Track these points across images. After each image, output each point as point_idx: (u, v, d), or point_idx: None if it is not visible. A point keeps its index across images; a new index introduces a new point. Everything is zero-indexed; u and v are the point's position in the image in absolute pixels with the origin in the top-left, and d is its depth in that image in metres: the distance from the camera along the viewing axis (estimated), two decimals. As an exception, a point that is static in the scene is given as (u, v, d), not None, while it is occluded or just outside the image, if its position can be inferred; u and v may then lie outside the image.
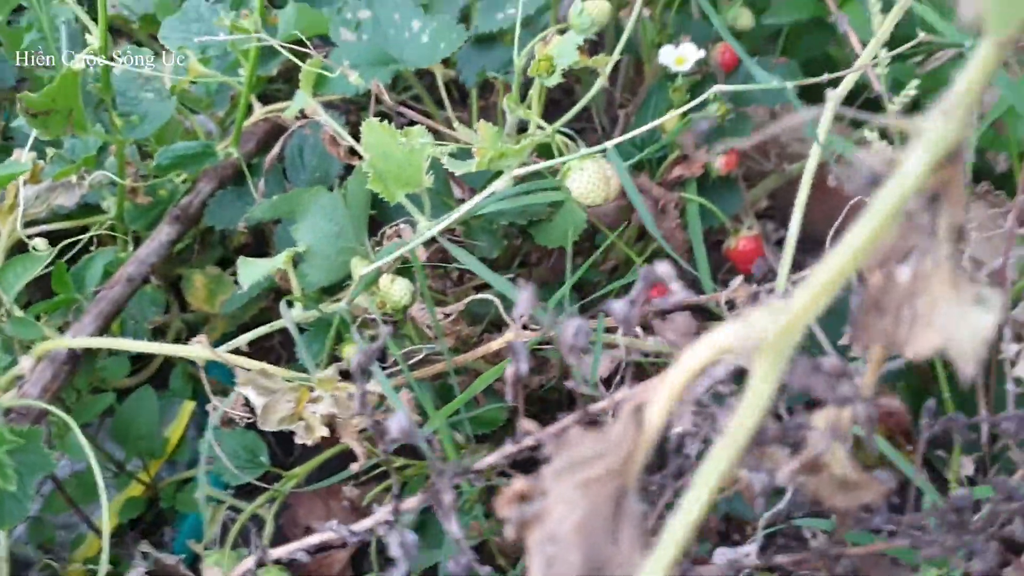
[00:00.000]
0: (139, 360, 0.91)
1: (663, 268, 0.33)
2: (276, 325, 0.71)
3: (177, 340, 0.94)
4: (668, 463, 0.38)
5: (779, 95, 0.81)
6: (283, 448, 0.90)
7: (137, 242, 0.90)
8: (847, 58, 1.00)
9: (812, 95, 1.01)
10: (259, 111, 0.93)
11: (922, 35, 0.60)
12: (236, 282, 0.89)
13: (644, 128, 0.65)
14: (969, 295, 0.25)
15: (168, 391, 0.89)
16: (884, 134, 0.97)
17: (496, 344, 0.74)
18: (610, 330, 0.75)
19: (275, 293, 0.95)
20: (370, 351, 0.36)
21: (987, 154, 0.87)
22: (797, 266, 1.03)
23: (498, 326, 0.89)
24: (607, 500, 0.29)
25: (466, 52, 0.87)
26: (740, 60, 0.83)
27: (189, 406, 0.87)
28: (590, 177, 0.66)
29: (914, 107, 0.74)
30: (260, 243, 0.97)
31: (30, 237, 0.80)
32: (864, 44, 0.67)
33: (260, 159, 0.92)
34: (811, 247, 1.04)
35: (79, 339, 0.71)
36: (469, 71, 0.87)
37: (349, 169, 0.91)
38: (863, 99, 0.93)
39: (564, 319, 0.33)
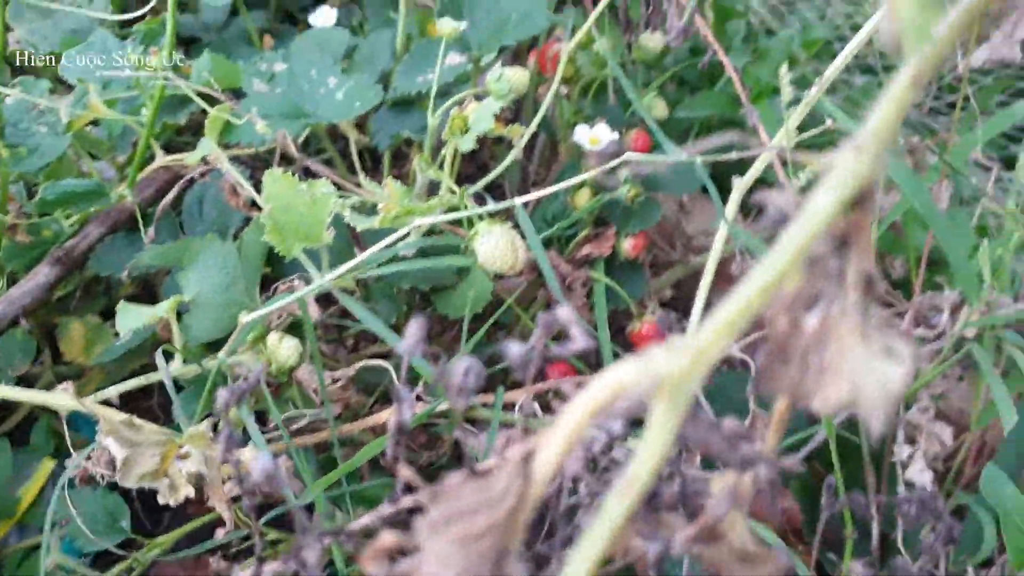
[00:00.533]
0: (-1, 411, 0.84)
1: (564, 313, 0.31)
2: (152, 378, 0.67)
3: (45, 392, 0.87)
4: (557, 531, 0.35)
5: (688, 185, 0.82)
6: (150, 515, 0.83)
7: (13, 284, 0.84)
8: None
9: (721, 191, 1.02)
10: (161, 159, 0.89)
11: (829, 122, 0.61)
12: (116, 333, 0.84)
13: (552, 188, 0.64)
14: (878, 346, 0.24)
15: (27, 447, 0.82)
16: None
17: (386, 414, 0.71)
18: (508, 407, 0.72)
19: (157, 347, 0.90)
20: (237, 388, 0.33)
21: (886, 259, 0.89)
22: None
23: (390, 399, 0.85)
24: (486, 559, 0.26)
25: (382, 115, 0.85)
26: (653, 147, 0.84)
27: (49, 464, 0.80)
28: (497, 242, 0.65)
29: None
30: (148, 296, 0.92)
31: None
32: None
33: (157, 208, 0.88)
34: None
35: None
36: (383, 134, 0.85)
37: (248, 223, 0.88)
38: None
39: (454, 362, 0.31)
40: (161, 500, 0.57)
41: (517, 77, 0.70)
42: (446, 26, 0.68)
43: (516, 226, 0.79)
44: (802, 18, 1.10)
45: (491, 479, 0.26)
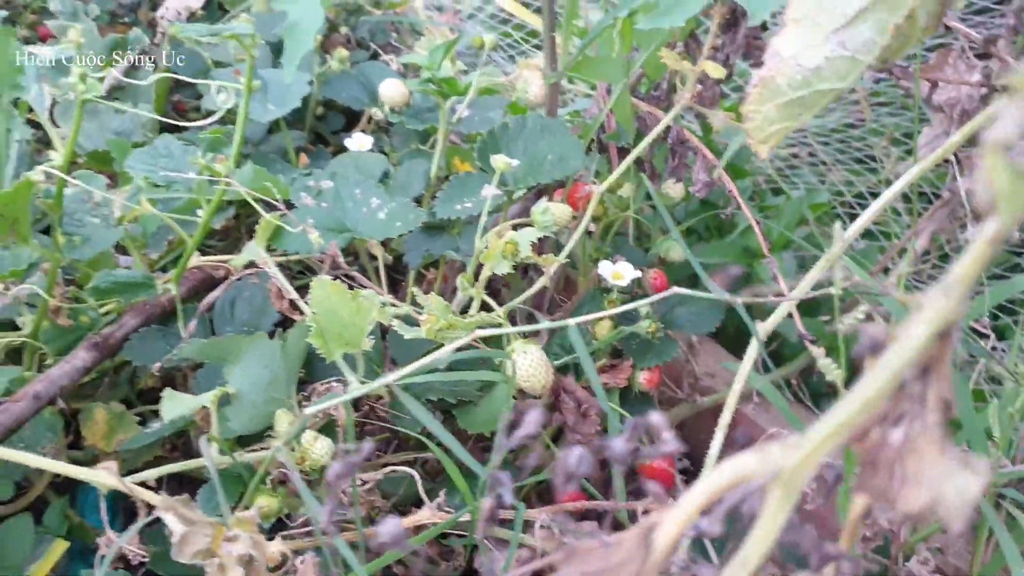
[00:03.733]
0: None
1: (656, 418, 0.35)
2: (191, 464, 0.69)
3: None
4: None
5: (705, 325, 0.87)
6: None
7: (41, 368, 0.86)
8: (765, 306, 1.08)
9: (733, 336, 1.08)
10: (194, 259, 0.93)
11: (843, 279, 0.66)
12: (140, 423, 0.86)
13: (583, 319, 0.68)
14: (956, 460, 0.28)
15: (39, 528, 0.82)
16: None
17: (409, 521, 0.73)
18: (528, 524, 0.74)
19: (172, 444, 0.92)
20: (351, 463, 0.36)
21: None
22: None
23: (402, 511, 0.87)
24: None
25: (415, 236, 0.91)
26: (670, 286, 0.90)
27: (61, 545, 0.80)
28: (533, 361, 0.69)
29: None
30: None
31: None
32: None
33: (189, 306, 0.91)
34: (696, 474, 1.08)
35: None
36: (415, 254, 0.90)
37: (279, 326, 0.91)
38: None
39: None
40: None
41: (560, 211, 0.76)
42: (500, 161, 0.74)
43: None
44: (806, 181, 1.19)
45: (617, 547, 0.30)
